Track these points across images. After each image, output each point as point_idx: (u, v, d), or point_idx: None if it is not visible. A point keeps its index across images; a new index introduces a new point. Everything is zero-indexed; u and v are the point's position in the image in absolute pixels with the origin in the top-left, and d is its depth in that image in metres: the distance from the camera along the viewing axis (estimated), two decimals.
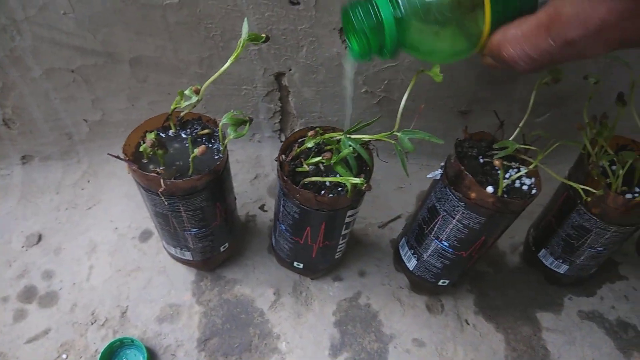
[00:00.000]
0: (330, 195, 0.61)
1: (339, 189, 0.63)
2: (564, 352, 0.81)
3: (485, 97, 0.87)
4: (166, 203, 0.59)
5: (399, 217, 0.95)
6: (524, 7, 0.41)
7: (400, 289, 0.85)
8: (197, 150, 0.57)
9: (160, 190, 0.58)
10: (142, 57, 0.80)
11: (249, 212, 0.92)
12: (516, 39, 0.40)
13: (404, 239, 0.80)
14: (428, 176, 0.69)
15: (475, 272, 0.90)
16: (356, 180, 0.57)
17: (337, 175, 0.62)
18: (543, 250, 0.83)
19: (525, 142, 0.68)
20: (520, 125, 0.67)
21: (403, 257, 0.80)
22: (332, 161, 0.59)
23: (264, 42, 0.58)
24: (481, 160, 0.68)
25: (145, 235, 0.88)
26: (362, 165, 0.65)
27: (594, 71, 0.83)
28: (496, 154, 0.68)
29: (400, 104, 0.89)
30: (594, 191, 0.67)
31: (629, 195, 0.68)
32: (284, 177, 0.62)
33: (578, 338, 0.83)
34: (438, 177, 0.70)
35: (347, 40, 0.47)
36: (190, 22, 0.75)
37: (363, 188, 0.57)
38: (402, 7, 0.42)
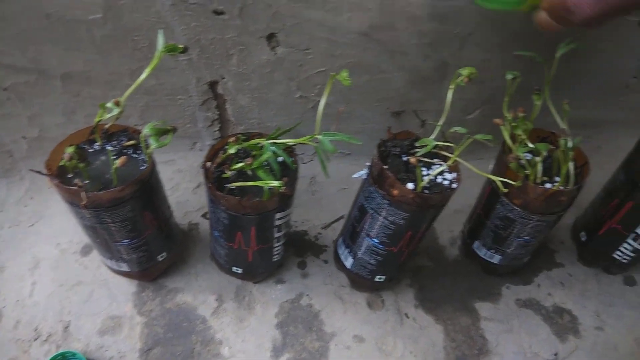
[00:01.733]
0: (256, 200, 0.62)
1: None
2: (502, 340, 0.84)
3: (417, 97, 0.90)
4: (88, 215, 0.60)
5: (341, 217, 0.97)
6: None
7: (342, 287, 0.87)
8: (118, 162, 0.58)
9: (83, 203, 0.58)
10: (73, 72, 0.80)
11: (191, 220, 0.93)
12: None
13: (341, 238, 0.82)
14: (354, 176, 0.72)
15: (416, 267, 0.92)
16: (274, 183, 0.58)
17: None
18: (476, 242, 0.85)
19: (445, 139, 0.71)
20: (440, 123, 0.70)
21: (341, 256, 0.82)
22: (253, 166, 0.61)
23: (182, 52, 0.59)
24: (404, 159, 0.70)
25: (86, 250, 0.88)
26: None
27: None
28: (418, 151, 0.71)
29: (335, 107, 0.92)
30: (512, 183, 0.70)
31: (548, 185, 0.72)
32: (209, 184, 0.63)
33: (515, 326, 0.86)
34: (365, 177, 0.72)
35: None
36: (117, 35, 0.75)
37: (281, 191, 0.59)
38: None
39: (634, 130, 0.82)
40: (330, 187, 1.03)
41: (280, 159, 0.66)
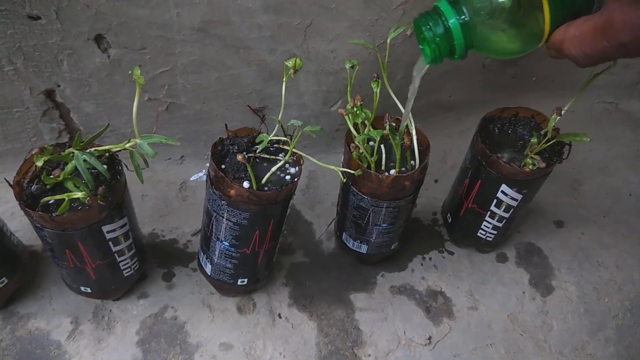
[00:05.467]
0: (67, 214, 0.58)
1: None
2: (376, 329, 0.84)
3: (273, 92, 0.88)
4: None
5: None
6: (581, 8, 0.47)
7: (211, 295, 0.84)
8: None
9: None
10: None
11: None
12: (575, 39, 0.45)
13: (199, 245, 0.79)
14: (191, 178, 0.69)
15: (292, 264, 0.90)
16: (78, 194, 0.54)
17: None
18: (344, 233, 0.84)
19: (285, 133, 0.69)
20: (279, 118, 0.68)
21: (201, 262, 0.78)
22: (60, 178, 0.56)
23: None
24: (247, 160, 0.68)
25: None
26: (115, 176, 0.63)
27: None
28: (257, 148, 0.69)
29: (190, 107, 0.88)
30: (352, 172, 0.69)
31: (392, 172, 0.71)
32: (18, 201, 0.58)
33: (390, 313, 0.86)
34: (204, 179, 0.69)
35: (420, 47, 0.53)
36: None
37: (86, 201, 0.55)
38: (465, 13, 0.48)
39: None
40: (203, 192, 0.99)
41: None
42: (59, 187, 0.60)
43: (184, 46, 0.77)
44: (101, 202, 0.56)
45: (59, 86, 0.79)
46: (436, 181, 1.07)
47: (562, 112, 0.71)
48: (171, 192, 0.97)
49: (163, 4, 0.70)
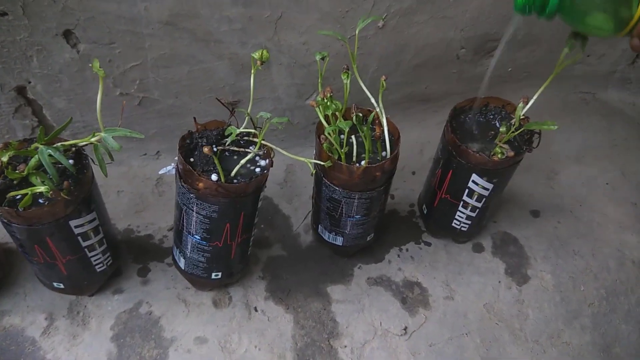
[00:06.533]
0: (33, 209, 0.58)
1: None
2: (353, 320, 0.84)
3: (246, 85, 0.88)
4: None
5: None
6: None
7: (186, 289, 0.84)
8: None
9: None
10: None
11: None
12: None
13: (173, 240, 0.79)
14: (160, 172, 0.68)
15: (269, 257, 0.91)
16: (41, 188, 0.54)
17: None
18: (319, 226, 0.85)
19: (255, 126, 0.69)
20: (248, 111, 0.68)
21: (175, 257, 0.78)
22: (25, 173, 0.56)
23: None
24: (214, 149, 0.68)
25: None
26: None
27: None
28: (226, 141, 0.69)
29: (164, 102, 0.88)
30: (322, 163, 0.70)
31: (363, 163, 0.71)
32: None
33: (367, 305, 0.86)
34: (172, 172, 0.69)
35: None
36: None
37: (49, 195, 0.54)
38: None
39: None
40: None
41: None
42: (25, 182, 0.60)
43: (154, 40, 0.77)
44: (66, 197, 0.56)
45: (29, 82, 0.79)
46: (414, 173, 1.07)
47: (530, 102, 0.71)
48: (147, 187, 0.97)
49: None
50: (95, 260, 0.72)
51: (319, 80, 0.71)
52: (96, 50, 0.76)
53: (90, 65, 0.77)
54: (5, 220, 0.59)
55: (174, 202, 0.92)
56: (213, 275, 0.77)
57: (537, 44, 1.04)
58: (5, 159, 0.57)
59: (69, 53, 0.75)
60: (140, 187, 0.96)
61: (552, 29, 1.01)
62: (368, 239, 0.86)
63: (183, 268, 0.77)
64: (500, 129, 0.72)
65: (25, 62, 0.75)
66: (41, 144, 0.57)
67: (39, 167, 0.59)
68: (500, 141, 0.73)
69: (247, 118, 0.68)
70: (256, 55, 0.63)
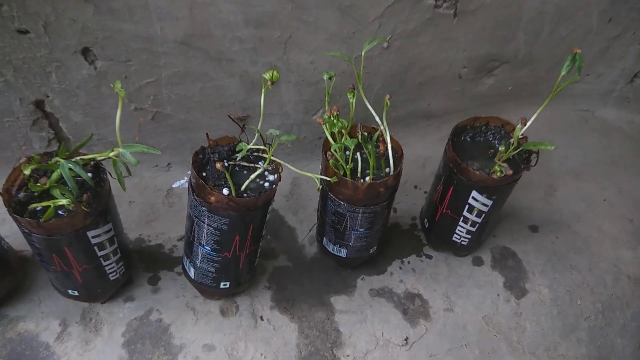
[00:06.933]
0: (53, 220, 0.61)
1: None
2: (355, 330, 0.87)
3: (256, 102, 0.91)
4: None
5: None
6: None
7: (195, 298, 0.86)
8: None
9: None
10: None
11: None
12: None
13: (184, 250, 0.82)
14: (174, 185, 0.72)
15: (274, 268, 0.93)
16: (63, 201, 0.57)
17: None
18: (324, 238, 0.87)
19: (264, 142, 0.72)
20: (258, 128, 0.71)
21: (185, 267, 0.81)
22: (47, 186, 0.59)
23: None
24: (225, 164, 0.71)
25: None
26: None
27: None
28: (237, 156, 0.72)
29: (176, 117, 0.92)
30: (327, 178, 0.73)
31: (367, 179, 0.74)
32: (7, 207, 0.61)
33: (369, 315, 0.89)
34: (185, 186, 0.72)
35: None
36: None
37: (71, 208, 0.58)
38: None
39: None
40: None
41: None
42: (46, 194, 0.63)
43: (168, 58, 0.80)
44: (86, 209, 0.59)
45: (47, 97, 0.82)
46: (416, 187, 1.10)
47: (529, 122, 0.74)
48: (158, 198, 1.00)
49: (147, 19, 0.73)
50: (109, 269, 0.75)
51: (326, 99, 0.74)
52: (113, 67, 0.79)
53: (107, 82, 0.81)
54: (26, 231, 0.62)
55: (183, 213, 0.95)
56: (221, 285, 0.80)
57: (537, 63, 1.07)
58: (27, 172, 0.60)
59: (87, 69, 0.79)
60: (152, 198, 0.99)
61: (551, 49, 1.04)
62: (371, 251, 0.89)
63: (193, 277, 0.80)
64: (500, 148, 0.75)
65: (45, 77, 0.79)
66: (62, 158, 0.60)
67: (60, 180, 0.62)
68: (499, 160, 0.76)
69: (257, 135, 0.71)
70: (267, 75, 0.66)
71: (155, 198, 1.00)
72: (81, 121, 0.87)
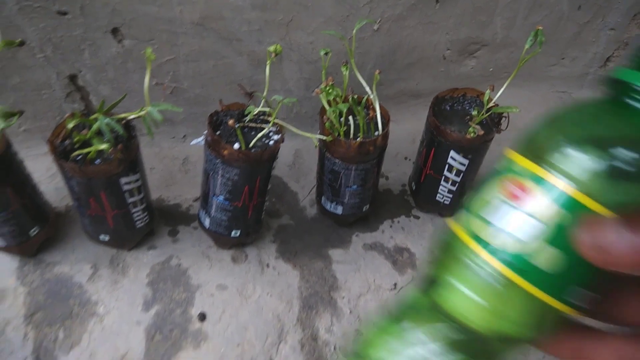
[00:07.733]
0: (95, 164, 0.73)
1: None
2: (350, 277, 0.99)
3: (262, 79, 1.03)
4: None
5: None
6: None
7: (209, 248, 0.99)
8: None
9: None
10: None
11: (68, 203, 1.02)
12: None
13: (199, 203, 0.94)
14: (191, 143, 0.84)
15: (279, 226, 1.05)
16: (102, 146, 0.69)
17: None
18: (323, 197, 0.99)
19: (269, 106, 0.85)
20: (264, 95, 0.83)
21: (201, 219, 0.94)
22: (87, 136, 0.72)
23: (20, 45, 0.69)
24: (236, 125, 0.83)
25: None
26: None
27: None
28: (246, 119, 0.84)
29: (191, 91, 1.04)
30: (324, 138, 0.85)
31: (358, 138, 0.86)
32: (52, 154, 0.73)
33: (362, 265, 1.01)
34: (202, 144, 0.84)
35: None
36: None
37: (109, 152, 0.70)
38: None
39: None
40: (202, 166, 1.14)
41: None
42: (85, 145, 0.75)
43: (186, 38, 0.92)
44: (119, 156, 0.71)
45: (80, 72, 0.94)
46: (406, 158, 1.22)
47: (500, 91, 0.86)
48: (175, 166, 1.12)
49: (168, 3, 0.86)
50: (136, 217, 0.87)
51: (323, 72, 0.86)
52: (138, 46, 0.92)
53: (133, 59, 0.93)
54: (69, 175, 0.75)
55: (198, 179, 1.08)
56: (233, 233, 0.92)
57: (514, 46, 1.19)
58: (71, 125, 0.73)
59: (115, 47, 0.91)
60: (169, 165, 1.12)
61: (527, 34, 1.16)
62: (364, 209, 1.01)
63: (208, 227, 0.92)
64: (472, 112, 0.87)
65: (79, 54, 0.91)
66: (101, 114, 0.73)
67: (97, 133, 0.74)
68: (472, 122, 0.88)
69: (262, 100, 0.83)
70: (271, 48, 0.79)
71: (172, 165, 1.12)
72: (109, 94, 0.99)
